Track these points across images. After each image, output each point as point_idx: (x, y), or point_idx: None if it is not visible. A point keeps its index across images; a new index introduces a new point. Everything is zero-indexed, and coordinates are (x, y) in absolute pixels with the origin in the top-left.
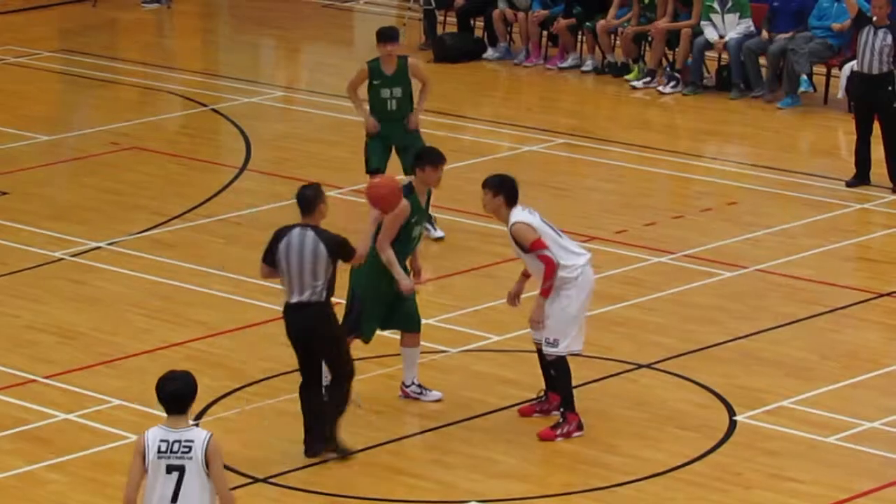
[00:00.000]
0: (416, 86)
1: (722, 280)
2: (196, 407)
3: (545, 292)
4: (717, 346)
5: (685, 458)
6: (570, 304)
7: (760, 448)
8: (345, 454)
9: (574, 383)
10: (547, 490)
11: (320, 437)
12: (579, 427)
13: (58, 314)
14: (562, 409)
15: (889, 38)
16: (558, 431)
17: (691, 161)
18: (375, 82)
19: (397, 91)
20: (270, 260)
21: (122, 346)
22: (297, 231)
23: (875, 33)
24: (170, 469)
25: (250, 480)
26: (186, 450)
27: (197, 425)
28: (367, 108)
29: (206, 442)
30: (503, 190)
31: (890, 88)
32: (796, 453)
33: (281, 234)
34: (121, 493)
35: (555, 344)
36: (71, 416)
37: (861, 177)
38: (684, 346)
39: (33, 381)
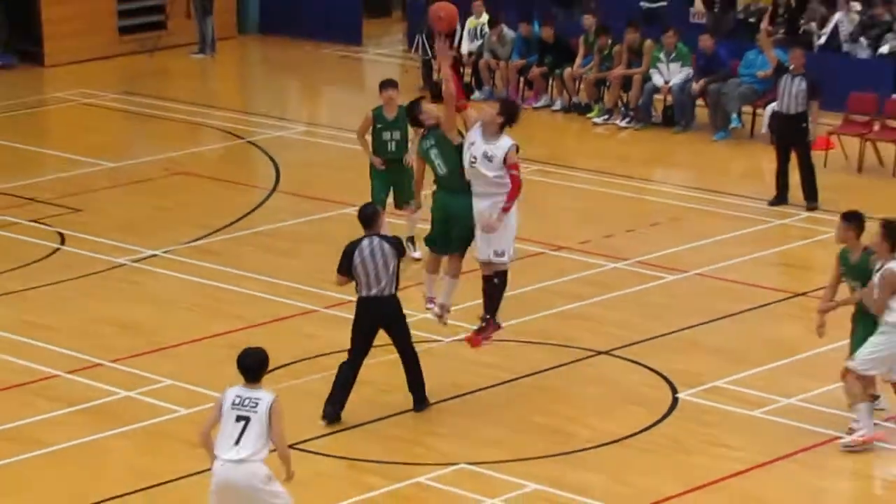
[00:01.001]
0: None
1: (668, 282)
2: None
3: (508, 209)
4: (663, 336)
5: (636, 429)
6: (513, 219)
7: (698, 420)
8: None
9: (544, 368)
10: (523, 455)
11: (340, 405)
12: (497, 328)
13: (119, 310)
14: (488, 316)
15: (803, 84)
16: (482, 336)
17: (642, 184)
18: (378, 126)
19: (396, 134)
20: (346, 270)
21: (173, 336)
22: (366, 241)
23: (792, 80)
24: (238, 418)
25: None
26: (254, 405)
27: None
28: (372, 150)
29: (270, 403)
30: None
31: (804, 125)
32: (728, 424)
33: (352, 248)
34: (174, 456)
35: (503, 255)
36: (131, 394)
37: (781, 197)
38: (636, 337)
39: (100, 364)
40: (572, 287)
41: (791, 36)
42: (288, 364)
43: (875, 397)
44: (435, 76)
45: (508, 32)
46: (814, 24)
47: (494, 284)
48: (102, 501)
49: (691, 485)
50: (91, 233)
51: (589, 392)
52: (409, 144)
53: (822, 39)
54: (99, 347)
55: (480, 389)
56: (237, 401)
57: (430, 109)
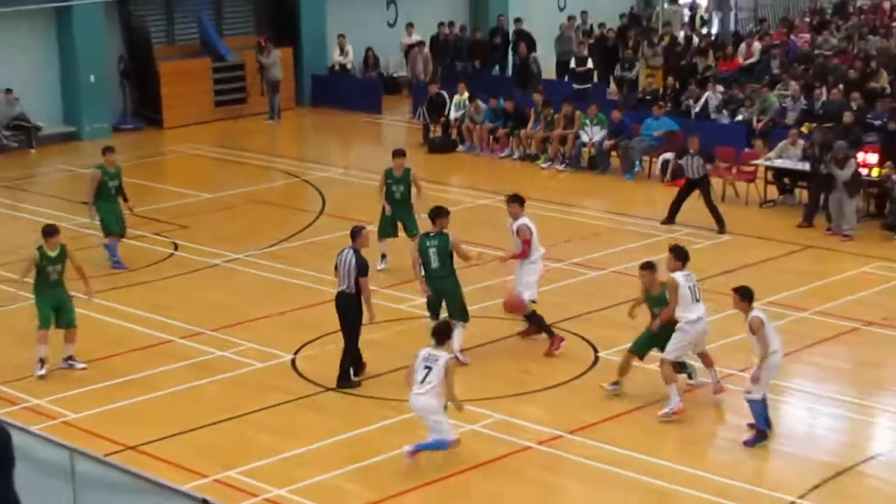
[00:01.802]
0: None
1: (591, 277)
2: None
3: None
4: (589, 314)
5: (571, 377)
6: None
7: (613, 371)
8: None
9: (507, 335)
10: (491, 395)
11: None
12: (561, 340)
13: (215, 295)
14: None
15: (700, 161)
16: (553, 348)
17: (574, 209)
18: (389, 181)
19: (401, 187)
20: (335, 269)
21: (253, 313)
22: (345, 251)
23: (692, 158)
24: (425, 367)
25: (323, 389)
26: (435, 359)
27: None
28: (384, 198)
29: (445, 360)
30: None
31: (705, 179)
32: (632, 374)
33: (338, 254)
34: (251, 397)
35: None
36: (225, 353)
37: (670, 219)
38: (571, 314)
39: (202, 332)
40: None
41: (675, 109)
42: (330, 333)
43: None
44: (430, 134)
45: (482, 105)
46: (691, 101)
47: (532, 316)
48: (201, 427)
49: (607, 415)
50: (195, 242)
51: (537, 352)
52: (413, 200)
53: (697, 109)
54: (202, 321)
55: (463, 350)
56: (425, 356)
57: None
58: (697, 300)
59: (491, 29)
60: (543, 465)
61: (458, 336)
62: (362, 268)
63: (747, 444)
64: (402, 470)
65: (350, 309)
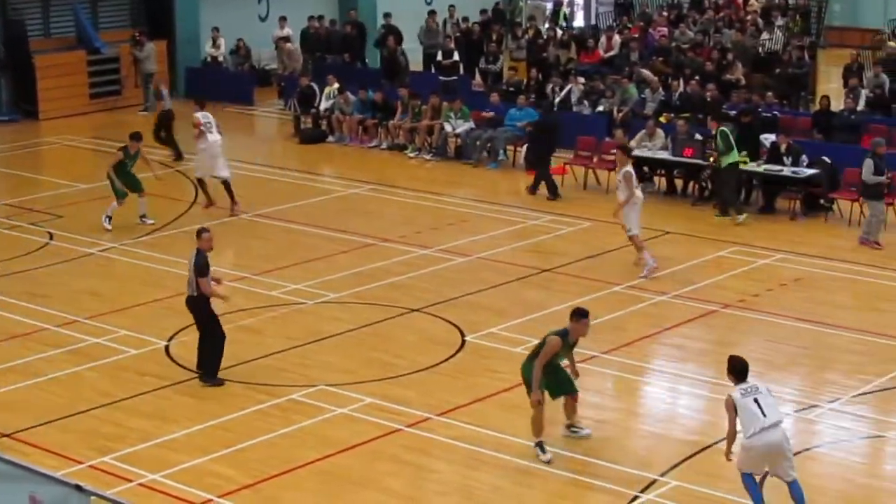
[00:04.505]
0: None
1: (459, 263)
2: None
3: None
4: (455, 299)
5: (438, 361)
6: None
7: (479, 354)
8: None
9: (376, 320)
10: (362, 379)
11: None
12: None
13: (92, 284)
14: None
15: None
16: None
17: (442, 198)
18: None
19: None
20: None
21: (127, 301)
22: (192, 251)
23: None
24: None
25: (197, 375)
26: None
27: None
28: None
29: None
30: None
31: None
32: (498, 357)
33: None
34: (128, 381)
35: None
36: (99, 340)
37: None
38: (438, 299)
39: (77, 321)
40: (395, 267)
41: (538, 100)
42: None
43: None
44: (301, 125)
45: (351, 97)
46: (554, 92)
47: None
48: (76, 413)
49: (474, 397)
50: (71, 232)
51: (406, 337)
52: None
53: (557, 100)
54: (77, 309)
55: (334, 335)
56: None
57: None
58: None
59: (343, 21)
60: (413, 447)
61: None
62: (199, 268)
63: None
64: (275, 454)
65: (197, 310)
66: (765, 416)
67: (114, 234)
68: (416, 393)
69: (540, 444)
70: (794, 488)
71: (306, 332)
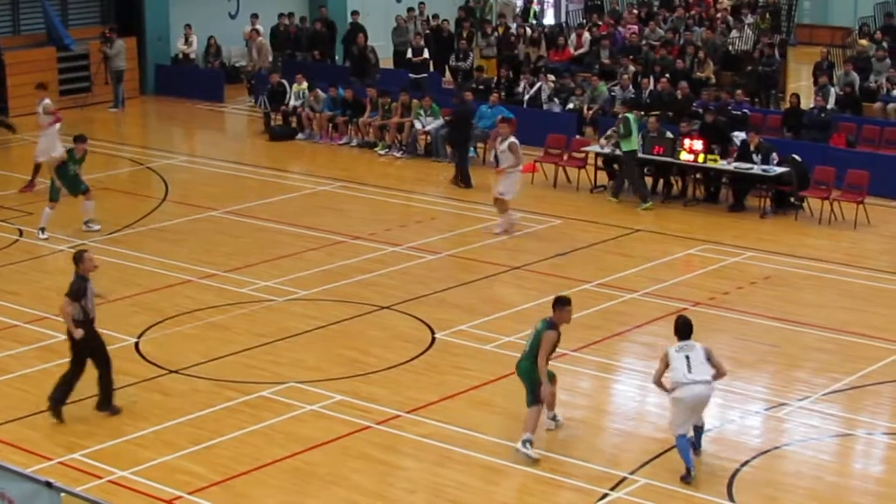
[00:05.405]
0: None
1: (428, 260)
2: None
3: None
4: (425, 297)
5: (408, 358)
6: None
7: (448, 352)
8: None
9: (346, 318)
10: (332, 376)
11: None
12: None
13: (59, 281)
14: None
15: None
16: None
17: (411, 195)
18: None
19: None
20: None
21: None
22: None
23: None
24: None
25: (166, 371)
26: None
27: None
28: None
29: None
30: None
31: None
32: (468, 355)
33: None
34: (96, 382)
35: None
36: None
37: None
38: (407, 297)
39: (47, 317)
40: (364, 264)
41: (509, 98)
42: (174, 316)
43: None
44: (271, 122)
45: (321, 94)
46: (524, 90)
47: None
48: (47, 410)
49: (444, 395)
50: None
51: (376, 334)
52: None
53: (526, 97)
54: (47, 306)
55: (304, 332)
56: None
57: None
58: None
59: (313, 18)
60: (382, 444)
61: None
62: (70, 288)
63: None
64: (245, 451)
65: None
66: (690, 372)
67: (82, 231)
68: (386, 390)
69: (529, 441)
70: (698, 432)
71: (276, 329)
